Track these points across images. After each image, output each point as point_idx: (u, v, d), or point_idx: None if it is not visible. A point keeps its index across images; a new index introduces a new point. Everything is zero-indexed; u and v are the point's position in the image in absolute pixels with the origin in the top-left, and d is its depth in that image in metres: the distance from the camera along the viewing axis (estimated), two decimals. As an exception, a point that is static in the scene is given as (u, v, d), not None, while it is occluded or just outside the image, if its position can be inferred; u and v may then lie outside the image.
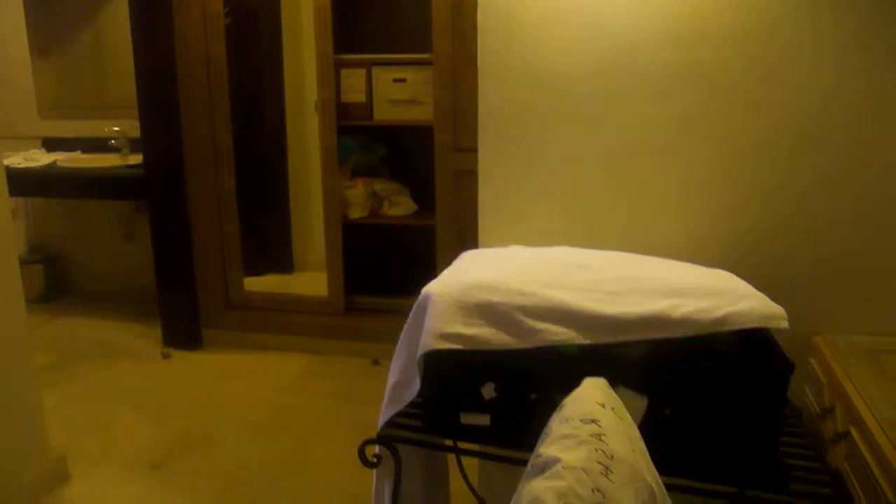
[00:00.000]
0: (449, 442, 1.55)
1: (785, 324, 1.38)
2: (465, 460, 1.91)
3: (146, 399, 3.44)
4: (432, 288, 1.45)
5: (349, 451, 2.86)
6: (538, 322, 1.36)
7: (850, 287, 1.77)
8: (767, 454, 1.39)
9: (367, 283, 3.97)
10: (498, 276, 1.46)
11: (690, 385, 1.39)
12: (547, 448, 0.95)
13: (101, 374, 3.71)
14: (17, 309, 2.59)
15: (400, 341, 1.50)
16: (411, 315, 1.48)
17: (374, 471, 1.59)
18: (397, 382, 1.48)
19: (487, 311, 1.38)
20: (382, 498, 1.59)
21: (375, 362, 3.65)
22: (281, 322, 3.95)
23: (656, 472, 1.07)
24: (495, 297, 1.39)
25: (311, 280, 4.17)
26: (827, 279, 1.78)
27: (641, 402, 1.35)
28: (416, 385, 1.42)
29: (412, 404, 1.50)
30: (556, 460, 0.89)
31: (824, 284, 1.78)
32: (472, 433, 1.43)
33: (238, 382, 3.61)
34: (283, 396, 3.45)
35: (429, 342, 1.37)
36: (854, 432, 1.48)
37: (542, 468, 0.90)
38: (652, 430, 1.17)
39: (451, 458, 1.88)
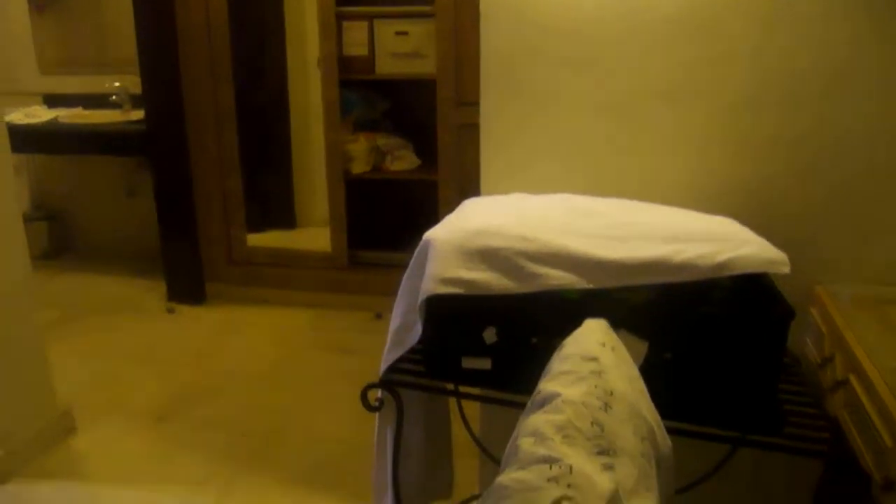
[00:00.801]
0: (450, 386, 1.56)
1: (786, 269, 1.38)
2: (467, 407, 1.93)
3: (151, 353, 3.47)
4: (433, 233, 1.45)
5: (351, 403, 2.90)
6: (540, 267, 1.37)
7: (851, 237, 1.77)
8: (767, 400, 1.40)
9: (369, 237, 3.97)
10: (499, 221, 1.46)
11: (691, 330, 1.39)
12: (546, 384, 0.95)
13: (105, 329, 3.74)
14: (22, 265, 2.61)
15: (401, 287, 1.51)
16: (412, 261, 1.48)
17: (377, 416, 1.60)
18: (399, 327, 1.49)
19: (489, 256, 1.38)
20: (384, 443, 1.61)
21: (378, 316, 3.67)
22: (284, 277, 3.97)
23: (656, 413, 1.08)
24: (497, 242, 1.39)
25: (314, 236, 4.17)
26: (829, 229, 1.77)
27: (642, 347, 1.36)
28: (418, 330, 1.43)
29: (414, 350, 1.50)
30: (556, 395, 0.90)
31: (826, 234, 1.77)
32: (474, 377, 1.44)
33: (242, 336, 3.64)
34: (287, 350, 3.47)
35: (430, 287, 1.37)
36: (853, 380, 1.48)
37: (542, 403, 0.91)
38: (652, 374, 1.17)
39: (453, 403, 1.90)
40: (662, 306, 1.42)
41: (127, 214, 4.62)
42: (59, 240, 4.77)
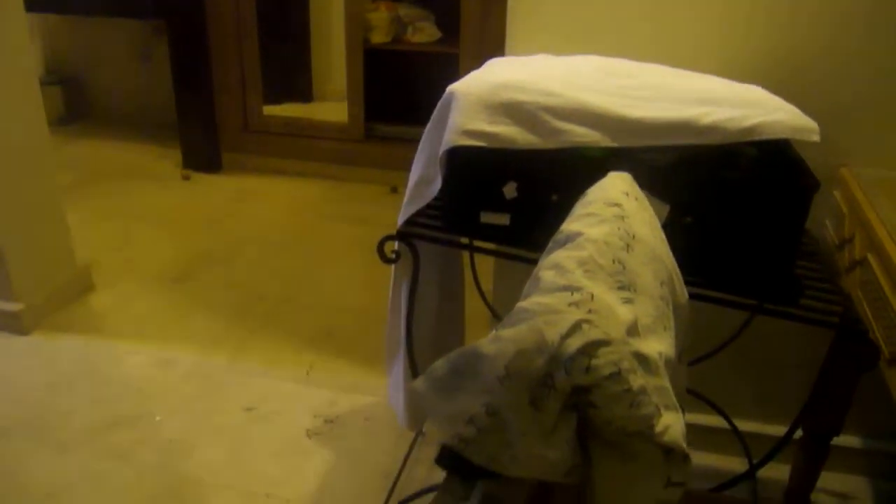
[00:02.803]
0: (466, 241, 1.56)
1: (817, 137, 1.35)
2: (480, 271, 1.94)
3: (167, 218, 3.49)
4: (457, 86, 1.42)
5: (365, 272, 2.94)
6: (564, 123, 1.34)
7: (879, 119, 1.72)
8: (784, 270, 1.39)
9: (387, 111, 3.92)
10: (525, 77, 1.42)
11: (713, 195, 1.37)
12: (569, 225, 0.95)
13: (121, 194, 3.75)
14: (40, 126, 2.59)
15: (422, 140, 1.48)
16: (435, 113, 1.46)
17: (392, 271, 1.61)
18: (418, 181, 1.47)
19: (513, 110, 1.35)
20: (399, 299, 1.62)
21: (394, 190, 3.66)
22: (300, 148, 3.94)
23: (675, 264, 1.07)
24: (522, 97, 1.35)
25: (330, 110, 4.12)
26: (857, 109, 1.72)
27: (663, 209, 1.34)
28: (438, 183, 1.41)
29: (431, 206, 1.49)
30: (579, 234, 0.89)
31: (853, 115, 1.73)
32: (491, 233, 1.43)
33: (256, 204, 3.64)
34: (300, 219, 3.48)
35: (452, 139, 1.35)
36: (871, 258, 1.47)
37: (564, 242, 0.90)
38: (672, 238, 1.16)
39: (468, 267, 1.91)
40: (686, 169, 1.39)
41: (142, 80, 4.57)
42: (74, 105, 4.73)
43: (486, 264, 1.97)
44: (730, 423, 1.94)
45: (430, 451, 2.05)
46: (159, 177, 3.96)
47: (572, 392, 0.71)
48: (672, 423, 0.73)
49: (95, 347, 2.51)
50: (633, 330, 0.76)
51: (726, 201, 1.37)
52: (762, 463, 1.63)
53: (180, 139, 4.01)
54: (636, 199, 1.07)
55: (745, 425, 1.97)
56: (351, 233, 3.30)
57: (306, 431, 2.13)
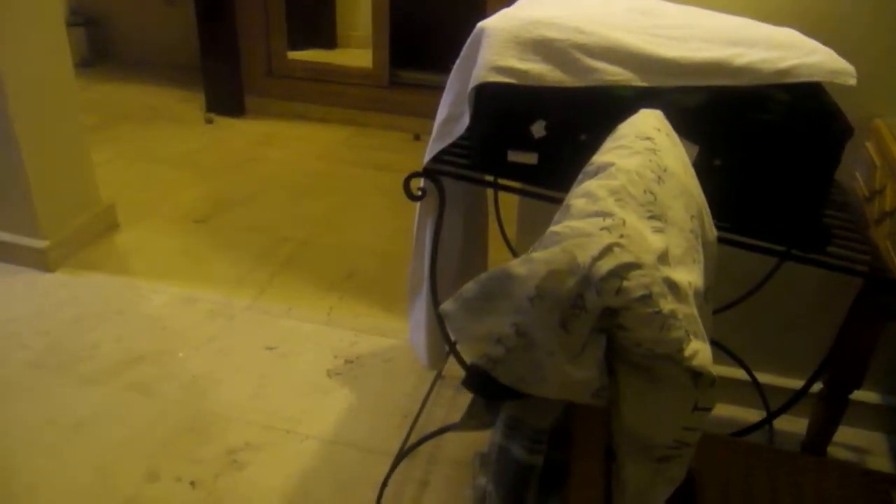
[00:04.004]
0: (492, 181, 1.55)
1: (853, 80, 1.32)
2: (504, 215, 1.93)
3: (190, 160, 3.49)
4: (488, 22, 1.40)
5: (386, 217, 2.95)
6: (595, 61, 1.32)
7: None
8: (814, 216, 1.38)
9: (412, 57, 3.88)
10: (557, 14, 1.39)
11: (744, 138, 1.35)
12: (600, 157, 0.94)
13: (145, 136, 3.76)
14: (66, 67, 2.60)
15: (451, 77, 1.47)
16: (464, 50, 1.44)
17: (417, 208, 1.61)
18: (446, 118, 1.46)
19: (544, 47, 1.33)
20: (423, 236, 1.62)
21: (417, 137, 3.64)
22: (323, 93, 3.92)
23: (704, 199, 1.06)
24: (553, 34, 1.33)
25: (355, 56, 4.10)
26: (893, 57, 1.69)
27: (693, 151, 1.33)
28: (465, 121, 1.40)
29: (458, 144, 1.48)
30: (610, 164, 0.88)
31: (892, 65, 1.69)
32: (518, 172, 1.42)
33: (279, 149, 3.64)
34: (323, 164, 3.48)
35: (481, 75, 1.33)
36: (902, 209, 1.46)
37: (595, 172, 0.89)
38: (700, 180, 1.14)
39: (492, 208, 1.90)
40: (717, 111, 1.37)
41: (166, 23, 4.55)
42: (98, 47, 4.72)
43: (509, 209, 1.96)
44: (749, 373, 1.95)
45: (449, 393, 2.07)
46: (183, 120, 3.97)
47: (602, 314, 0.71)
48: (700, 349, 0.73)
49: (119, 285, 2.54)
50: (663, 258, 0.76)
51: (757, 144, 1.35)
52: (780, 412, 1.63)
53: (204, 83, 4.00)
54: (667, 135, 1.05)
55: (763, 377, 1.97)
56: (373, 178, 3.30)
57: (327, 371, 2.15)
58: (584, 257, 0.70)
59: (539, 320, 0.70)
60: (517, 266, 0.72)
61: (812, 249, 1.37)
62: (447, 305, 0.79)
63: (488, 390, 0.78)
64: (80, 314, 2.38)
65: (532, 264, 0.71)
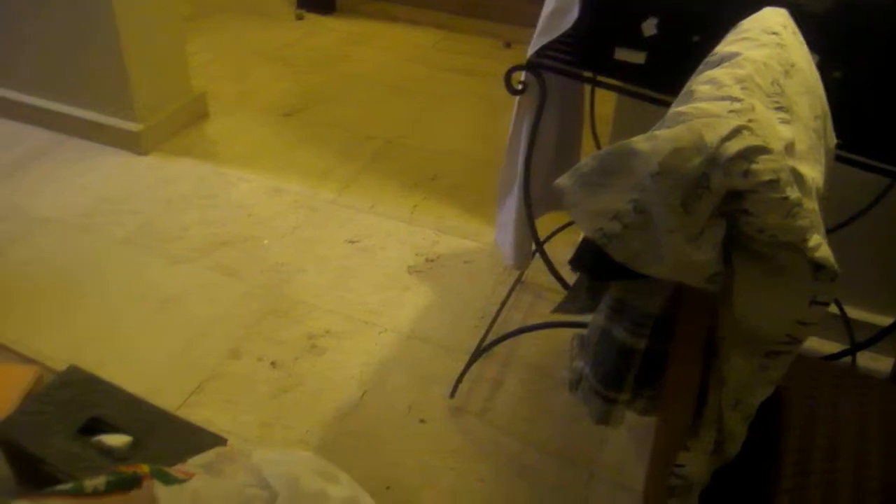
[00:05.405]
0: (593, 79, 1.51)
1: None
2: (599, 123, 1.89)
3: (279, 55, 3.50)
4: None
5: (473, 121, 2.92)
6: (717, -45, 1.25)
7: None
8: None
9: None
10: None
11: (868, 49, 1.28)
12: (724, 47, 0.90)
13: (236, 29, 3.77)
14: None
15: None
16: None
17: (515, 105, 1.58)
18: (553, 10, 1.41)
19: (662, -62, 1.27)
20: (520, 131, 1.60)
21: (507, 45, 3.56)
22: (415, -6, 3.86)
23: (827, 104, 1.02)
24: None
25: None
26: None
27: (812, 59, 1.26)
28: (573, 14, 1.36)
29: (561, 41, 1.44)
30: (736, 54, 0.84)
31: None
32: (624, 71, 1.37)
33: (368, 48, 3.61)
34: (411, 65, 3.44)
35: (594, -35, 1.29)
36: None
37: (719, 62, 0.86)
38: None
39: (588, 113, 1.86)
40: (841, 18, 1.29)
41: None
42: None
43: (602, 114, 1.92)
44: (837, 304, 1.89)
45: (527, 299, 2.07)
46: (273, 15, 3.96)
47: (726, 197, 0.69)
48: (822, 244, 0.70)
49: (208, 172, 2.59)
50: (790, 149, 0.73)
51: (882, 57, 1.27)
52: (865, 345, 1.58)
53: (296, -21, 3.97)
54: (794, 33, 1.00)
55: (852, 312, 1.91)
56: (461, 82, 3.25)
57: (407, 267, 2.17)
58: (712, 137, 0.67)
59: (660, 198, 0.68)
60: (640, 142, 0.70)
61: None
62: (563, 180, 0.78)
63: (598, 269, 0.77)
64: (171, 196, 2.44)
65: (656, 141, 0.69)
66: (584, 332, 0.94)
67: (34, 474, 1.27)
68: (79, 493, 0.88)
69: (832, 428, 1.13)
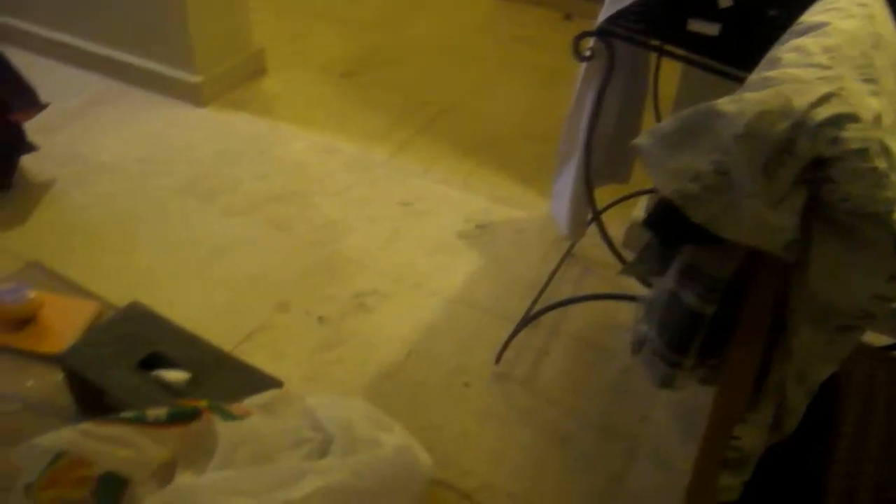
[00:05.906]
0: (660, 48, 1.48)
1: None
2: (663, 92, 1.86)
3: (338, 16, 3.49)
4: None
5: (530, 92, 2.90)
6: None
7: None
8: None
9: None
10: None
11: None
12: (811, 17, 0.88)
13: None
14: None
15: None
16: None
17: (581, 72, 1.57)
18: (626, -23, 1.40)
19: None
20: (584, 98, 1.58)
21: (567, 17, 3.52)
22: (477, -38, 3.81)
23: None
24: None
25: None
26: None
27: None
28: (647, -18, 1.34)
29: (633, 10, 1.42)
30: (825, 23, 0.82)
31: None
32: (697, 43, 1.35)
33: (428, 12, 3.59)
34: (471, 34, 3.42)
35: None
36: None
37: (804, 31, 0.84)
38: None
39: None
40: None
41: None
42: None
43: (665, 96, 1.89)
44: None
45: (576, 272, 2.06)
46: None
47: (810, 164, 0.68)
48: (908, 218, 0.68)
49: (264, 127, 2.61)
50: (877, 121, 0.71)
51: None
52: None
53: (358, -60, 3.95)
54: (882, 7, 0.97)
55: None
56: (520, 52, 3.22)
57: (458, 233, 2.17)
58: (800, 102, 0.66)
59: (742, 161, 0.67)
60: (726, 104, 0.68)
61: None
62: (641, 139, 0.77)
63: (671, 231, 0.77)
64: (226, 149, 2.46)
65: (743, 103, 0.67)
66: (650, 294, 0.93)
67: (95, 404, 1.30)
68: (141, 421, 0.91)
69: (890, 419, 1.11)
